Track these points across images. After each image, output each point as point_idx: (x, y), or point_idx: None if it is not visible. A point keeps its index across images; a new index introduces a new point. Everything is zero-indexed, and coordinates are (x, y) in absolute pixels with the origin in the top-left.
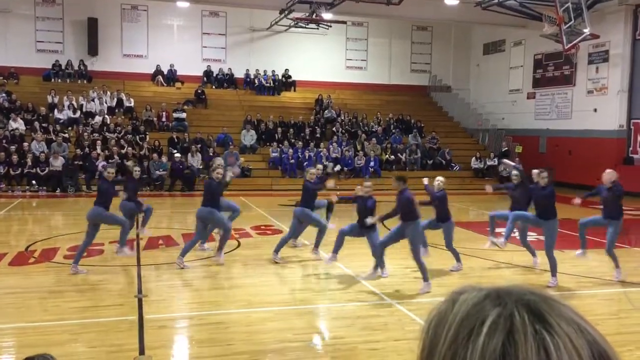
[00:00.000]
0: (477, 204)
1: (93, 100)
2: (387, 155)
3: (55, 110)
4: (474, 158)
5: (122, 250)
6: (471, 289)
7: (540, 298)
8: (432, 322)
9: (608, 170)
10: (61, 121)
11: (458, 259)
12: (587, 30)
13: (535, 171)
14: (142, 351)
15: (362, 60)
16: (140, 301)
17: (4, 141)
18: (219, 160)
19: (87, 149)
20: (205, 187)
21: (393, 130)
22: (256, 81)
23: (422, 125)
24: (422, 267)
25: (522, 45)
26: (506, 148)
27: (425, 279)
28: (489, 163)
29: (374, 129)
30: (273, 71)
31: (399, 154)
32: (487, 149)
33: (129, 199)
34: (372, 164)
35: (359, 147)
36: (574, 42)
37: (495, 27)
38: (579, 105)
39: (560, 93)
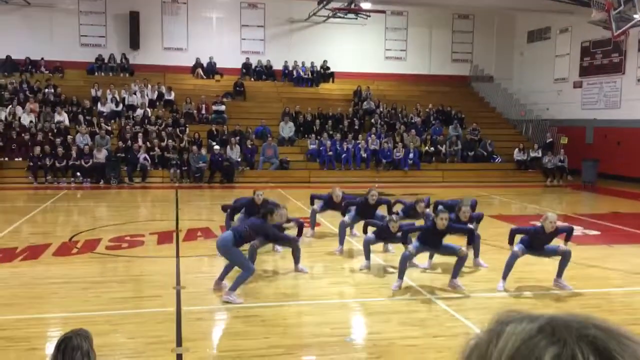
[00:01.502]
0: (520, 197)
1: (135, 93)
2: (427, 147)
3: (99, 104)
4: (516, 150)
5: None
6: (519, 317)
7: (607, 334)
8: (470, 358)
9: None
10: (104, 114)
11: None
12: (637, 16)
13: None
14: (179, 343)
15: (401, 50)
16: (178, 293)
17: (50, 134)
18: None
19: (129, 142)
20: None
21: (433, 122)
22: (294, 73)
23: (463, 116)
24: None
25: (568, 32)
26: (551, 139)
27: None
28: (533, 155)
29: (413, 120)
30: (312, 63)
31: (438, 146)
32: (530, 141)
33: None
34: (411, 155)
35: (397, 139)
36: (624, 28)
37: (540, 14)
38: (629, 94)
39: (609, 81)
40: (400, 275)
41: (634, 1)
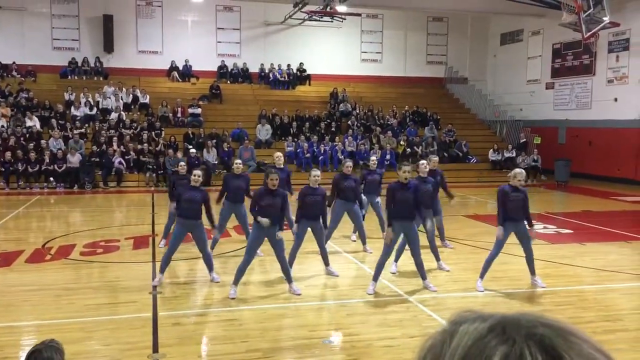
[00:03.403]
0: (495, 196)
1: (109, 97)
2: (403, 148)
3: (72, 107)
4: (491, 150)
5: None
6: (473, 317)
7: (555, 332)
8: (425, 358)
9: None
10: (78, 118)
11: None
12: (606, 19)
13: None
14: (156, 349)
15: (377, 52)
16: (154, 298)
17: (22, 139)
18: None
19: (103, 146)
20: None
21: (409, 123)
22: (271, 75)
23: (439, 117)
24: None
25: (540, 34)
26: (524, 140)
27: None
28: (507, 155)
29: (389, 122)
30: (288, 65)
31: (415, 147)
32: (504, 141)
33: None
34: (387, 157)
35: (374, 141)
36: (594, 30)
37: (512, 17)
38: (599, 94)
39: (580, 83)
40: (375, 278)
41: (603, 4)
